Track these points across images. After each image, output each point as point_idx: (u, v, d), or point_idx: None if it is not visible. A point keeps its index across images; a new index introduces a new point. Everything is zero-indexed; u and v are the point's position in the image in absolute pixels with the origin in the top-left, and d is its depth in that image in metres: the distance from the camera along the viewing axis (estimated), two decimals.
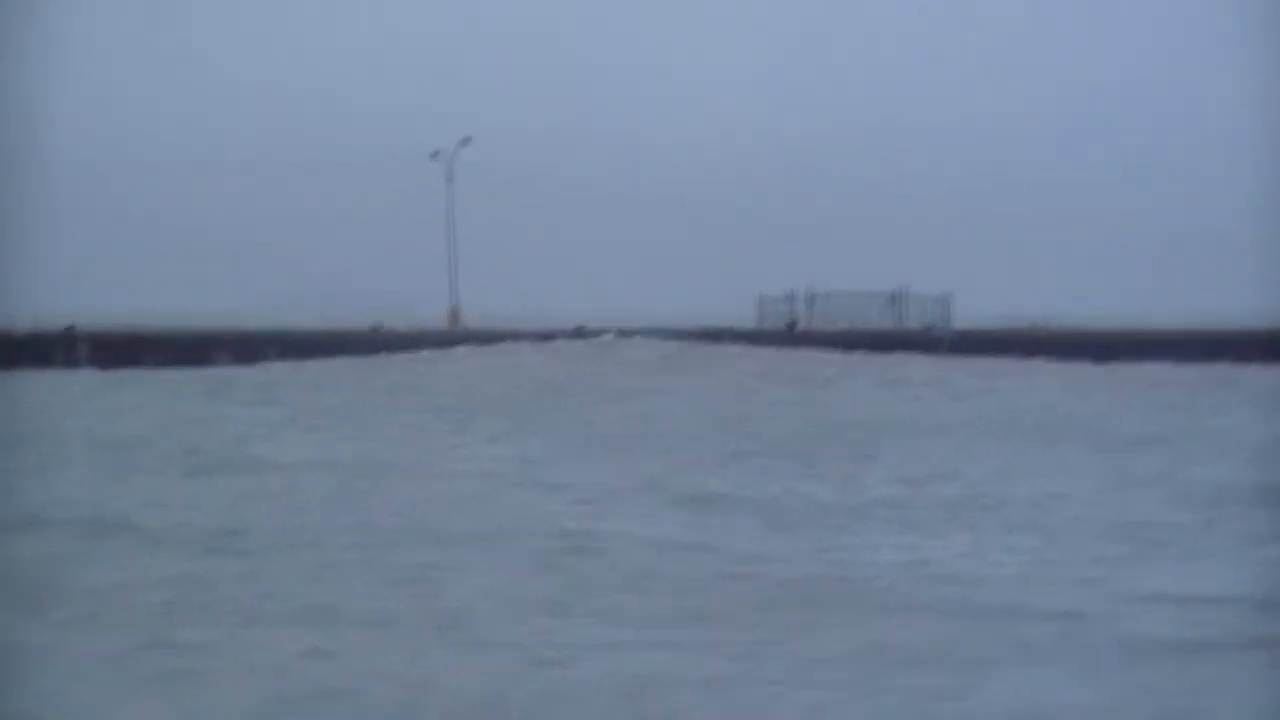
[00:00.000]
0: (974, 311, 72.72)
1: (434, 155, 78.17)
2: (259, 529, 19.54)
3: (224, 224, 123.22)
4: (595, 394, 44.71)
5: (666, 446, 30.76)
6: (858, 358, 62.00)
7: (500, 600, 15.35)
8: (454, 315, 74.52)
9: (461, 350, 62.46)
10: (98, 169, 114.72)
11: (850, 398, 45.01)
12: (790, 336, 69.48)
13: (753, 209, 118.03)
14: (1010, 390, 48.61)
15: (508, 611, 14.85)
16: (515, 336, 65.80)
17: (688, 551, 18.25)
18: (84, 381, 51.41)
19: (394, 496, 22.90)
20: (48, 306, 67.15)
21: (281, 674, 12.59)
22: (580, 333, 67.22)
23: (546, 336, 65.97)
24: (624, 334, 66.73)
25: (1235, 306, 69.65)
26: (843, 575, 16.90)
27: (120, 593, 15.67)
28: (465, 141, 77.97)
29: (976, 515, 21.49)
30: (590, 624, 14.39)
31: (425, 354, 61.24)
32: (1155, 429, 34.66)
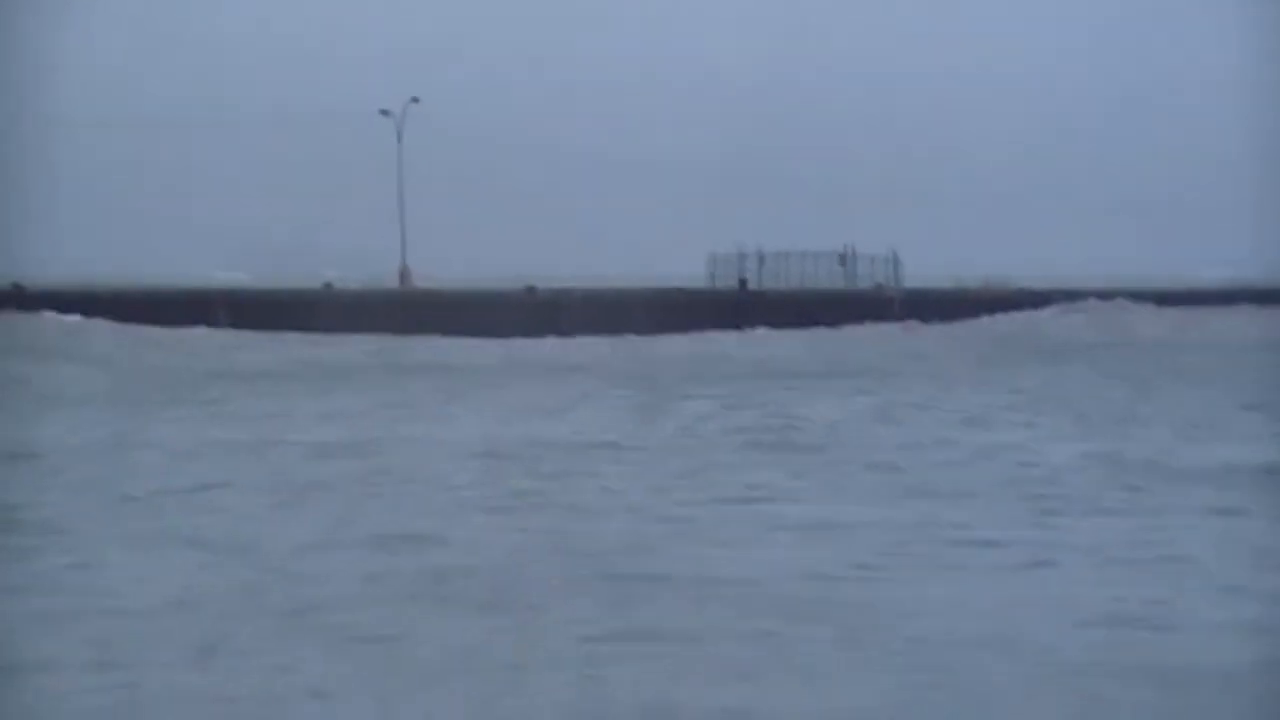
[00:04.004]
0: (924, 271, 73.30)
1: (384, 112, 77.96)
2: None
3: (165, 180, 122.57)
4: None
5: None
6: None
7: None
8: (404, 274, 74.48)
9: None
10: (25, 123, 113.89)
11: None
12: (742, 295, 69.80)
13: (701, 167, 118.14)
14: None
15: None
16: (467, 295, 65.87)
17: None
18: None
19: None
20: None
21: None
22: (532, 293, 67.30)
23: (498, 295, 66.08)
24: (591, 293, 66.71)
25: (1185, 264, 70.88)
26: None
27: None
28: (414, 100, 77.79)
29: None
30: None
31: None
32: None
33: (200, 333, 56.77)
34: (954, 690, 12.10)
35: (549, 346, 56.97)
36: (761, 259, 73.90)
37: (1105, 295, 69.57)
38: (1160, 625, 14.08)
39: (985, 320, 65.72)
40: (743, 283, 72.11)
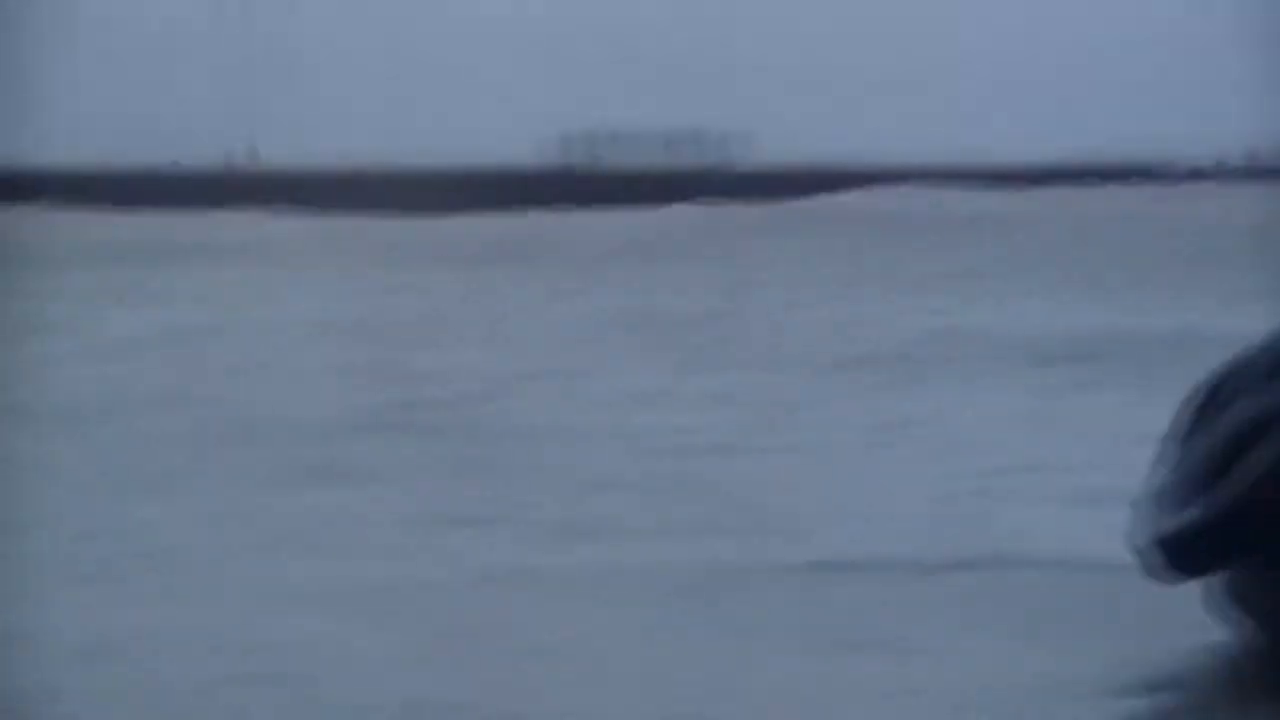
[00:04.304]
0: (776, 151, 72.71)
1: None
2: None
3: None
4: None
5: None
6: None
7: None
8: (242, 154, 73.36)
9: None
10: None
11: None
12: (576, 173, 69.18)
13: (539, 37, 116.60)
14: None
15: None
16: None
17: None
18: None
19: None
20: None
21: None
22: (370, 171, 66.48)
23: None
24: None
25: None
26: None
27: None
28: None
29: None
30: None
31: None
32: None
33: (30, 211, 55.69)
34: (808, 566, 11.95)
35: (387, 225, 56.69)
36: (600, 137, 73.14)
37: (947, 175, 69.86)
38: (993, 500, 14.06)
39: (830, 198, 65.74)
40: (580, 162, 71.40)
